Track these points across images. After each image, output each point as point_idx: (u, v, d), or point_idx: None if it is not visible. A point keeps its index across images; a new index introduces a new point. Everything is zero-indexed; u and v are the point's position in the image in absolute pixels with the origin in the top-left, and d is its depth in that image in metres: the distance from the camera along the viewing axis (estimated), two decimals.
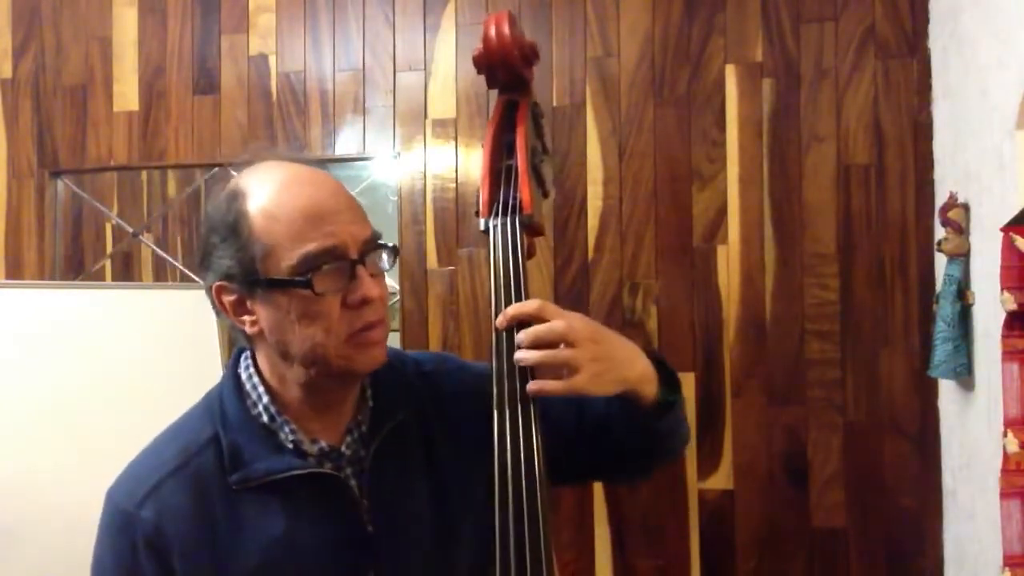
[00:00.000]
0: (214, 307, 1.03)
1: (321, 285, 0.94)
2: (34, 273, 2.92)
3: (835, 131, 2.50)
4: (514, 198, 1.03)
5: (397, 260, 1.03)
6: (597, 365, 0.98)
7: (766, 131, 2.54)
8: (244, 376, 1.04)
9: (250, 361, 1.05)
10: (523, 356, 0.97)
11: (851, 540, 2.45)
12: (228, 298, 1.00)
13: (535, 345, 0.97)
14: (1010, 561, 1.62)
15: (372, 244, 0.99)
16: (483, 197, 1.05)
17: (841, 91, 2.50)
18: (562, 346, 0.97)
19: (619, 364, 1.01)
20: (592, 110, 2.64)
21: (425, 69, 2.75)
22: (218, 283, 0.99)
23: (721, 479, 2.53)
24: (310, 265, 0.94)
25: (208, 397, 1.06)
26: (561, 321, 0.98)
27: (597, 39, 2.65)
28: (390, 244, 1.01)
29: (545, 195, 1.10)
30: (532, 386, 0.97)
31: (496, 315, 1.01)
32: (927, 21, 2.44)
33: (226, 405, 1.03)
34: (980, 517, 1.99)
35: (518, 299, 1.01)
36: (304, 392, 1.01)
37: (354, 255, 0.96)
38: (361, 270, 0.96)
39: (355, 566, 1.00)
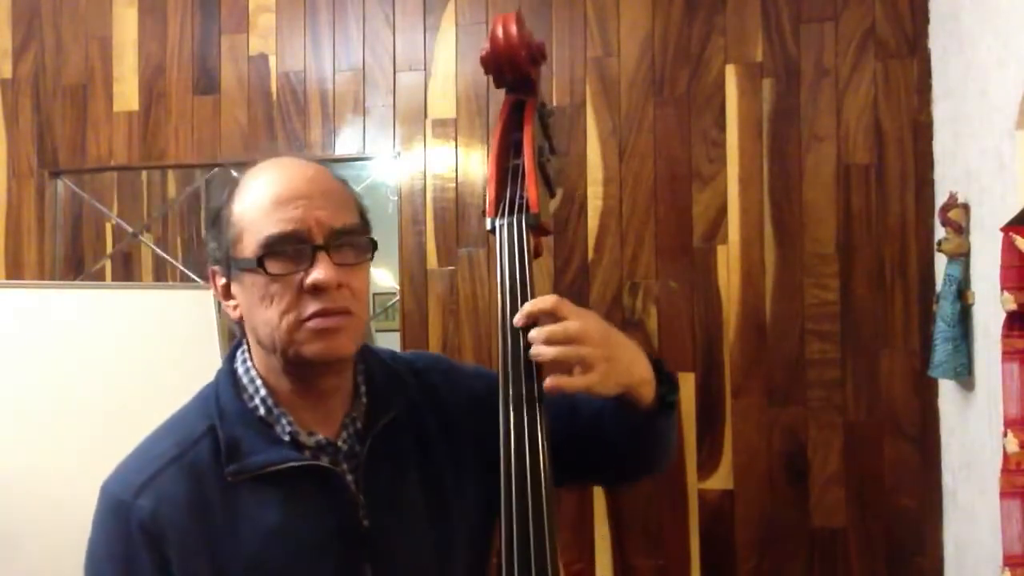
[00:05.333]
0: (216, 295, 1.06)
1: (274, 267, 0.95)
2: (34, 273, 2.91)
3: (835, 131, 2.50)
4: (521, 197, 1.04)
5: (374, 254, 1.02)
6: (607, 364, 0.98)
7: (766, 131, 2.54)
8: (241, 370, 1.05)
9: (247, 355, 1.05)
10: (540, 351, 0.96)
11: (851, 540, 2.46)
12: (219, 282, 1.03)
13: (549, 343, 0.97)
14: (1010, 561, 1.63)
15: (344, 233, 0.98)
16: (490, 196, 1.05)
17: (841, 91, 2.50)
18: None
19: (624, 366, 1.01)
20: (592, 110, 2.64)
21: (425, 69, 2.75)
22: (212, 267, 1.04)
23: (721, 479, 2.53)
24: (270, 248, 0.95)
25: (203, 392, 1.07)
26: (576, 321, 0.98)
27: (597, 39, 2.65)
28: (367, 237, 1.01)
29: (552, 195, 1.10)
30: (551, 381, 0.96)
31: (503, 315, 1.01)
32: (927, 21, 2.44)
33: (222, 399, 1.03)
34: (980, 517, 2.00)
35: (525, 299, 1.00)
36: (291, 381, 1.01)
37: (318, 240, 0.96)
38: (322, 256, 0.96)
39: (351, 559, 1.00)
